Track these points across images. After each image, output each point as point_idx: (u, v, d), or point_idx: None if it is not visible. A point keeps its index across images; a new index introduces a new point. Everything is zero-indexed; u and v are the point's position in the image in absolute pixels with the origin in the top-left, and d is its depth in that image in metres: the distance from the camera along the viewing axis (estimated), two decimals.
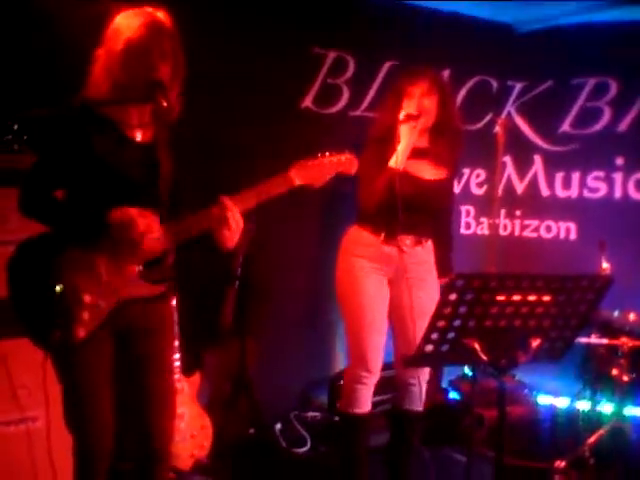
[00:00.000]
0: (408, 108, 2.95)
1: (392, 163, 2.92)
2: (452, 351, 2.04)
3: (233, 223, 2.06)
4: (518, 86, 4.57)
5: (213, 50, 3.50)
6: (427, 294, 3.03)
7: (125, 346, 2.19)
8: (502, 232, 4.58)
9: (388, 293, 3.08)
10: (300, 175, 2.12)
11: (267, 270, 3.83)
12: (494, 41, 4.45)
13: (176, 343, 3.00)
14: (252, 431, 3.56)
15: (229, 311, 3.49)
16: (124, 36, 2.04)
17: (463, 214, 4.64)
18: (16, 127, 2.95)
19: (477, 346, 2.01)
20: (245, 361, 3.53)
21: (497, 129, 3.11)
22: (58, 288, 2.00)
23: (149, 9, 2.09)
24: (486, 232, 4.55)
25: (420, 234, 3.06)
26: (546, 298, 2.01)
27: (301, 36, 3.95)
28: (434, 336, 2.00)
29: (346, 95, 4.18)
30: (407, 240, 3.03)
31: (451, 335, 2.01)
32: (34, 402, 2.86)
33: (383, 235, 3.01)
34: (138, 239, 2.00)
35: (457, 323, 1.99)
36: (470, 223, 4.65)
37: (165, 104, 1.99)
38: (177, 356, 3.10)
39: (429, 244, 3.13)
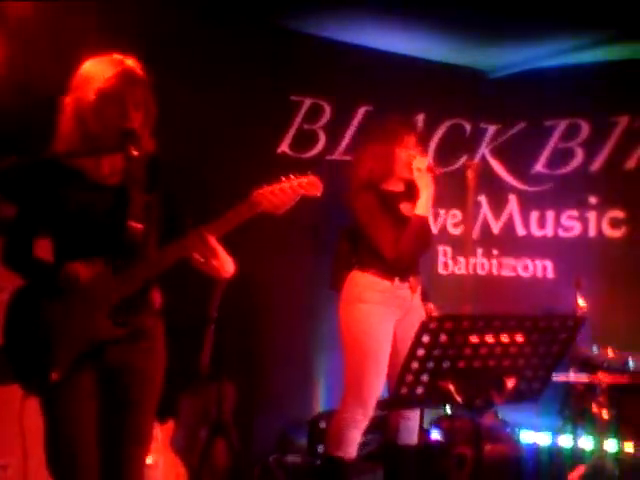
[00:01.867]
0: (423, 159, 3.09)
1: (421, 212, 3.05)
2: (427, 393, 2.04)
3: (206, 250, 2.06)
4: (491, 128, 4.66)
5: (188, 96, 3.54)
6: None
7: (108, 388, 2.18)
8: (479, 271, 4.63)
9: (392, 336, 3.13)
10: (263, 200, 2.07)
11: (245, 310, 3.83)
12: (467, 85, 4.56)
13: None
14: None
15: (207, 353, 3.46)
16: (95, 85, 2.03)
17: (440, 254, 4.68)
18: None
19: (451, 387, 2.02)
20: (222, 405, 3.48)
21: (468, 172, 3.18)
22: (54, 375, 2.07)
23: (118, 56, 2.09)
24: (463, 272, 4.58)
25: (417, 273, 3.20)
26: (519, 338, 2.03)
27: (278, 83, 4.03)
28: (408, 378, 2.01)
29: (322, 140, 4.25)
30: (414, 280, 3.15)
31: (425, 377, 2.02)
32: (5, 450, 2.82)
33: (397, 279, 3.08)
34: (83, 293, 2.06)
35: (430, 365, 2.00)
36: (448, 263, 4.68)
37: (136, 153, 2.00)
38: None
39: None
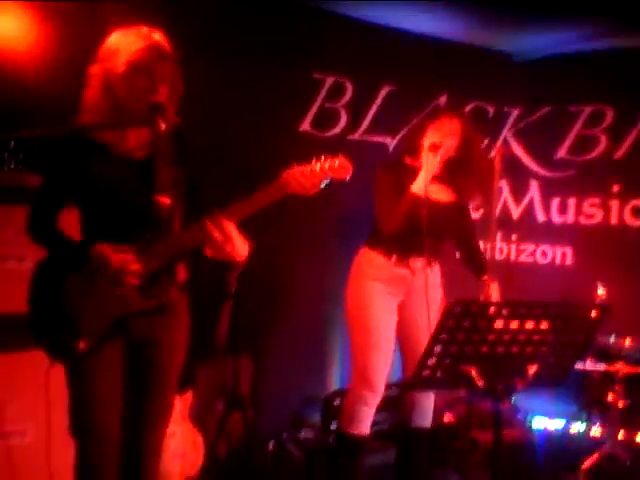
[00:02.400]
0: (433, 138, 3.01)
1: (415, 188, 2.97)
2: (448, 377, 2.04)
3: (219, 239, 2.04)
4: (515, 112, 4.61)
5: (211, 72, 3.51)
6: (437, 316, 3.08)
7: (133, 359, 2.21)
8: (498, 256, 4.59)
9: (396, 316, 3.12)
10: (292, 181, 2.04)
11: (262, 287, 3.82)
12: (491, 68, 4.50)
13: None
14: (245, 449, 3.55)
15: (224, 328, 3.50)
16: (125, 56, 2.02)
17: None
18: (12, 145, 2.97)
19: (474, 372, 2.02)
20: (239, 379, 3.52)
21: (494, 156, 3.14)
22: (81, 345, 2.10)
23: (145, 29, 2.07)
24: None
25: (432, 257, 3.11)
26: (543, 325, 2.02)
27: (300, 61, 3.98)
28: (431, 361, 2.01)
29: (344, 119, 4.22)
30: (418, 262, 3.08)
31: (447, 361, 2.01)
32: (21, 416, 2.87)
33: (395, 257, 3.06)
34: (112, 277, 2.07)
35: (454, 349, 1.99)
36: None
37: (164, 127, 1.99)
38: None
39: (437, 267, 3.19)
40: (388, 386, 3.23)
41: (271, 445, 3.74)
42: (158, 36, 2.08)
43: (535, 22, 4.10)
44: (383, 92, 4.27)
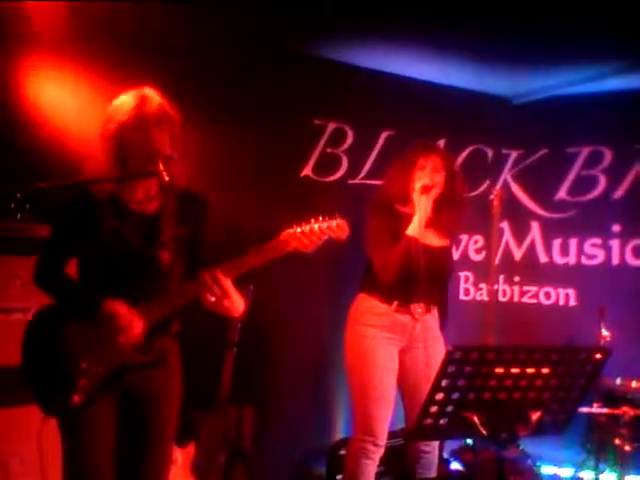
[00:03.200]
0: (423, 179, 3.00)
1: (410, 232, 2.96)
2: (451, 424, 2.02)
3: (218, 294, 2.09)
4: (513, 154, 4.65)
5: (212, 121, 3.59)
6: (438, 360, 3.04)
7: (127, 412, 2.20)
8: (501, 298, 4.58)
9: (397, 364, 3.07)
10: (292, 240, 2.11)
11: (266, 335, 3.82)
12: (489, 111, 4.55)
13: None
14: None
15: (227, 378, 3.45)
16: (123, 117, 2.13)
17: (462, 280, 4.64)
18: (19, 196, 3.01)
19: (476, 420, 2.00)
20: (241, 430, 3.49)
21: (494, 200, 3.15)
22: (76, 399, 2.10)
23: (149, 90, 2.18)
24: (485, 298, 4.55)
25: (429, 302, 3.09)
26: (545, 370, 2.01)
27: (302, 108, 4.06)
28: (433, 409, 1.99)
29: (345, 164, 4.27)
30: (419, 308, 3.05)
31: (450, 408, 1.99)
32: (26, 471, 2.84)
33: (396, 304, 3.03)
34: (118, 333, 2.10)
35: (456, 396, 1.98)
36: (469, 289, 4.65)
37: (167, 179, 2.07)
38: None
39: (435, 311, 3.16)
40: (390, 435, 3.17)
41: None
42: (159, 95, 2.18)
43: (531, 66, 4.17)
44: (383, 137, 4.34)
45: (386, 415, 3.02)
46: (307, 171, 4.17)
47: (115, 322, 2.09)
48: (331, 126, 4.21)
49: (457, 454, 3.99)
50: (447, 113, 4.39)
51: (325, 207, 3.69)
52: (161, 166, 2.07)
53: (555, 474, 3.96)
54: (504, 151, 4.65)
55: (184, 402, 3.18)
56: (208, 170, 3.50)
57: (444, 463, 3.96)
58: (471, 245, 4.65)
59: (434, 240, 3.12)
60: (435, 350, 3.06)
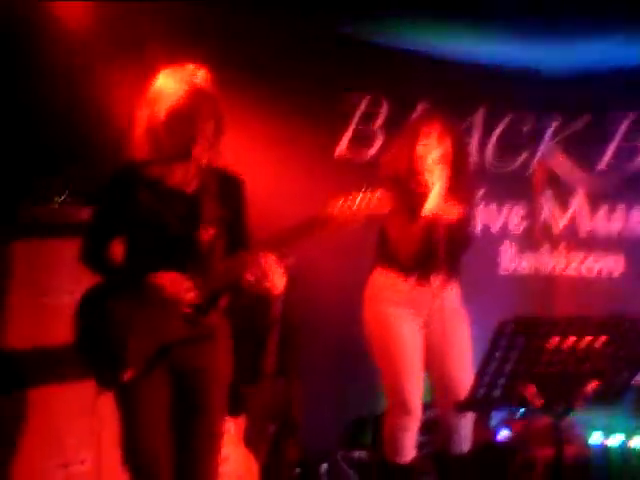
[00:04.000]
0: (432, 150, 2.91)
1: (429, 207, 2.87)
2: (504, 396, 2.00)
3: (257, 275, 2.10)
4: (554, 123, 4.52)
5: (245, 101, 3.54)
6: (462, 335, 3.03)
7: (179, 386, 2.24)
8: (543, 270, 4.48)
9: (421, 337, 3.03)
10: (335, 216, 2.09)
11: (311, 308, 3.81)
12: (528, 80, 4.42)
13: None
14: (298, 471, 3.55)
15: (272, 353, 3.49)
16: (166, 103, 2.11)
17: (502, 252, 4.54)
18: (62, 180, 3.05)
19: (530, 391, 1.97)
20: (290, 401, 3.53)
21: (537, 170, 3.06)
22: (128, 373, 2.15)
23: (190, 69, 2.15)
24: (527, 271, 4.48)
25: (450, 275, 3.02)
26: (600, 341, 1.97)
27: (334, 81, 4.00)
28: (485, 380, 1.97)
29: (380, 140, 4.19)
30: (438, 281, 2.98)
31: (502, 380, 1.97)
32: (81, 445, 2.92)
33: (415, 277, 2.97)
34: (166, 304, 2.13)
35: (508, 368, 1.95)
36: (510, 261, 4.57)
37: (204, 161, 2.10)
38: None
39: (456, 285, 3.09)
40: (426, 405, 3.15)
41: (325, 466, 3.71)
42: (201, 75, 2.16)
43: (570, 33, 4.01)
44: (419, 110, 4.22)
45: (418, 387, 2.98)
46: (342, 149, 4.10)
47: (163, 291, 2.10)
48: (365, 101, 4.13)
49: (507, 423, 3.94)
50: (485, 83, 4.27)
51: (361, 185, 3.78)
52: (200, 149, 2.09)
53: (603, 442, 3.90)
54: (544, 120, 4.51)
55: (234, 375, 3.26)
56: (240, 152, 3.44)
57: (490, 432, 3.93)
58: (512, 216, 4.56)
59: (451, 211, 2.99)
60: (455, 326, 3.01)
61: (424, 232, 2.86)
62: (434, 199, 2.87)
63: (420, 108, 4.22)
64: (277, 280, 2.14)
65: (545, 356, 1.97)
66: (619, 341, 1.98)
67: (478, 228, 4.31)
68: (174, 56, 2.23)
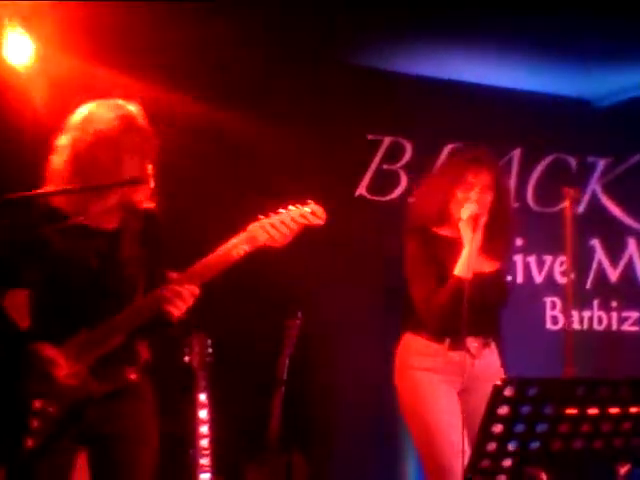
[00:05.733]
0: (470, 205, 2.62)
1: (459, 272, 2.59)
2: None
3: (180, 307, 1.94)
4: (601, 163, 4.25)
5: (264, 136, 3.48)
6: None
7: (96, 457, 2.02)
8: (596, 326, 4.16)
9: (459, 402, 2.70)
10: (259, 233, 1.97)
11: (317, 373, 3.55)
12: (570, 116, 4.16)
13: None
14: None
15: (276, 420, 3.19)
16: (94, 126, 2.02)
17: (548, 307, 4.16)
18: None
19: (544, 478, 1.54)
20: (292, 479, 3.19)
21: (566, 202, 2.67)
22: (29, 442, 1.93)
23: (120, 102, 2.07)
24: (577, 326, 4.05)
25: (486, 335, 2.73)
26: (633, 410, 1.54)
27: (355, 122, 3.81)
28: (484, 463, 1.54)
29: (404, 181, 3.93)
30: (474, 343, 2.69)
31: (507, 462, 1.55)
32: None
33: (448, 341, 2.67)
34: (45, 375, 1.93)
35: (513, 446, 1.53)
36: (557, 317, 4.15)
37: (138, 199, 2.00)
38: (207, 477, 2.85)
39: (494, 345, 2.78)
40: None
41: None
42: (133, 108, 2.08)
43: (615, 63, 3.79)
44: (447, 150, 3.96)
45: (457, 451, 2.60)
46: (362, 190, 3.86)
47: (38, 366, 1.91)
48: (387, 140, 3.89)
49: None
50: (522, 119, 4.02)
51: (385, 228, 3.49)
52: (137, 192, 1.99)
53: None
54: (590, 159, 4.24)
55: (229, 447, 2.95)
56: (257, 191, 3.28)
57: None
58: (556, 267, 4.17)
59: (484, 265, 2.72)
60: None
61: (454, 293, 2.58)
62: (463, 261, 2.61)
63: (448, 149, 3.95)
64: (180, 305, 1.95)
65: (562, 429, 1.54)
66: None
67: (519, 280, 4.00)
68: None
